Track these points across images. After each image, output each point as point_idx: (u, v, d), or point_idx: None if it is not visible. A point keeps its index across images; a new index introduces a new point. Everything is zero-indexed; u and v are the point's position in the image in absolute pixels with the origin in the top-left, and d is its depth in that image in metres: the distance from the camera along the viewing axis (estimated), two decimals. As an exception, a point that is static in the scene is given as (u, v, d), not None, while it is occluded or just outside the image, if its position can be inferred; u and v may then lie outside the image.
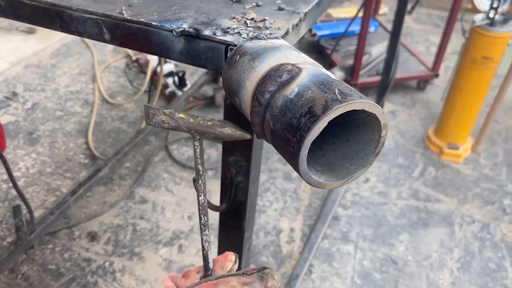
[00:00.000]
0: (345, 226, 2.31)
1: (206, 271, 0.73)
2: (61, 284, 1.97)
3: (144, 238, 2.18)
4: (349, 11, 4.24)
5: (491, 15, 2.36)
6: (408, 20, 4.36)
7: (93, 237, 2.16)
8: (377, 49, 3.42)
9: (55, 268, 2.03)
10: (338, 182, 0.57)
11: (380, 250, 2.20)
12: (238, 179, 0.87)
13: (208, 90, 3.08)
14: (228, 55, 0.67)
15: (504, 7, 2.41)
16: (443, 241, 2.27)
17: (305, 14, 0.79)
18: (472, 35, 2.45)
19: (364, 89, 3.22)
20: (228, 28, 0.70)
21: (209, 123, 0.68)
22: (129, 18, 0.73)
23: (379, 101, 2.47)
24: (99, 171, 2.33)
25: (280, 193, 2.48)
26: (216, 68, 0.71)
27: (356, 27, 3.35)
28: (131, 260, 2.08)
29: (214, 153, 2.72)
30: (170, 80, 3.14)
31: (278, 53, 0.60)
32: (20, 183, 2.39)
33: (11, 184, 2.07)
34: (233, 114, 0.73)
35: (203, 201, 0.73)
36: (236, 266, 0.75)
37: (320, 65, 0.59)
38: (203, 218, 0.74)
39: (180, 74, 3.10)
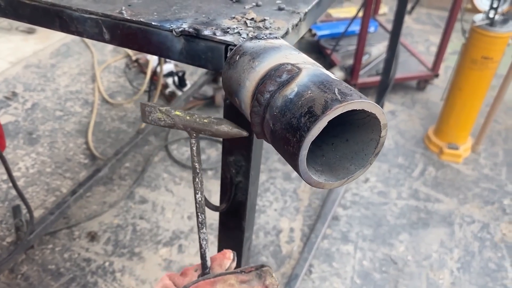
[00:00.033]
0: (344, 226, 2.31)
1: (204, 269, 0.73)
2: (61, 284, 1.97)
3: (144, 238, 2.18)
4: (349, 11, 4.24)
5: (491, 15, 2.36)
6: (408, 20, 4.36)
7: (93, 237, 2.16)
8: (377, 49, 3.42)
9: (55, 268, 2.02)
10: (338, 182, 0.57)
11: (380, 250, 2.20)
12: (238, 179, 0.87)
13: (208, 90, 3.08)
14: (228, 55, 0.67)
15: (504, 7, 2.41)
16: (443, 241, 2.27)
17: (305, 14, 0.79)
18: (472, 35, 2.45)
19: (364, 89, 3.22)
20: (228, 28, 0.70)
21: (205, 120, 0.68)
22: (129, 18, 0.73)
23: (379, 101, 2.47)
24: (99, 171, 2.33)
25: (280, 193, 2.48)
26: (216, 68, 0.71)
27: (356, 27, 3.35)
28: (131, 260, 2.08)
29: (214, 153, 2.72)
30: (170, 80, 3.14)
31: (278, 53, 0.60)
32: (20, 183, 2.39)
33: (11, 184, 2.07)
34: (233, 114, 0.73)
35: (200, 199, 0.73)
36: (234, 264, 0.74)
37: (320, 65, 0.59)
38: (200, 216, 0.74)
39: (180, 74, 3.10)
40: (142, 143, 2.69)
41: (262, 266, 0.67)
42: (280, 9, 0.78)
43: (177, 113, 0.68)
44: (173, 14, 0.75)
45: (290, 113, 0.51)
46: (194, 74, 3.44)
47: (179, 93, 3.07)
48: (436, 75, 3.32)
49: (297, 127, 0.50)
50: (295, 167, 0.52)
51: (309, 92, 0.51)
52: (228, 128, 0.67)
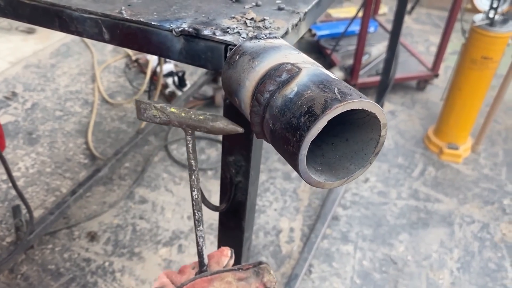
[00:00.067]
0: (344, 226, 2.31)
1: (201, 266, 0.73)
2: (61, 284, 1.96)
3: (144, 238, 2.18)
4: (349, 11, 4.24)
5: (491, 15, 2.36)
6: (408, 20, 4.36)
7: (92, 237, 2.16)
8: (377, 49, 3.42)
9: (55, 268, 2.02)
10: (338, 182, 0.56)
11: (380, 250, 2.20)
12: (237, 179, 0.87)
13: (208, 90, 3.08)
14: (227, 55, 0.67)
15: (504, 7, 2.41)
16: (443, 241, 2.27)
17: (305, 14, 0.79)
18: (472, 35, 2.45)
19: (364, 89, 3.22)
20: (228, 28, 0.70)
21: (200, 117, 0.67)
22: (128, 17, 0.73)
23: (379, 101, 2.47)
24: (98, 171, 2.33)
25: (280, 193, 2.48)
26: (215, 68, 0.71)
27: (356, 27, 3.35)
28: (130, 260, 2.08)
29: (214, 153, 2.72)
30: (170, 80, 3.14)
31: (278, 52, 0.60)
32: (20, 183, 2.38)
33: (10, 184, 2.07)
34: (233, 114, 0.73)
35: (196, 197, 0.72)
36: (232, 261, 0.74)
37: (320, 65, 0.59)
38: (197, 214, 0.73)
39: (180, 74, 3.10)
40: (142, 143, 2.69)
41: (260, 263, 0.67)
42: (279, 9, 0.78)
43: (172, 110, 0.68)
44: (172, 14, 0.75)
45: (290, 112, 0.51)
46: (194, 74, 3.44)
47: (179, 93, 3.07)
48: (436, 75, 3.32)
49: (297, 126, 0.50)
50: (295, 166, 0.52)
51: (309, 91, 0.51)
52: (223, 125, 0.67)
